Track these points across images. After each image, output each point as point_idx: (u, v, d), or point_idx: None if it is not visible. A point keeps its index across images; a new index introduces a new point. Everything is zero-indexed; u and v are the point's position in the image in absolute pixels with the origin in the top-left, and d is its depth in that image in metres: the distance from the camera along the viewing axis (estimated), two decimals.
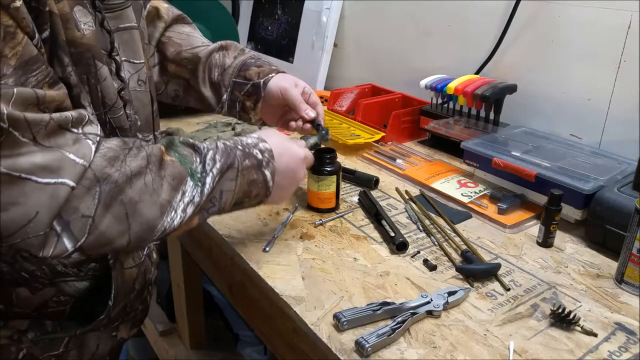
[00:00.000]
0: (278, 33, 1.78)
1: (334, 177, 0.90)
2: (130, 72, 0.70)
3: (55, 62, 0.56)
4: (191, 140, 0.64)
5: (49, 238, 0.51)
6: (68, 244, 0.52)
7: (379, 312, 0.65)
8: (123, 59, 0.68)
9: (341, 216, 0.91)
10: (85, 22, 0.59)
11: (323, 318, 0.66)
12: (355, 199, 0.98)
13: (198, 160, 0.62)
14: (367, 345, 0.59)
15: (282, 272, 0.75)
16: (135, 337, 0.91)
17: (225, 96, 0.90)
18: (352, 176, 1.04)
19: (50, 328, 0.67)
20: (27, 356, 0.66)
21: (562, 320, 0.65)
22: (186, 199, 0.59)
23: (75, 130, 0.53)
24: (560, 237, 0.86)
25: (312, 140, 0.85)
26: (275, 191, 0.71)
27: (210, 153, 0.63)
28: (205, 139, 1.15)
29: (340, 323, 0.63)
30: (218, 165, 0.63)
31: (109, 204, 0.53)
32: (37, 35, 0.52)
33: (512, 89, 1.14)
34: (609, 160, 0.96)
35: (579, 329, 0.65)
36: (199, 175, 0.61)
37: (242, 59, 0.91)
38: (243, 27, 1.90)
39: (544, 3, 1.09)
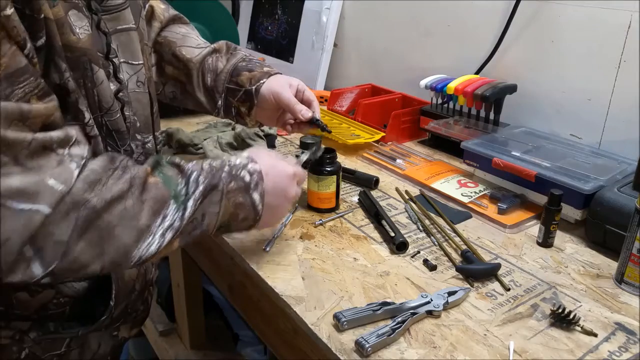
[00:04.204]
0: (278, 33, 1.78)
1: (334, 177, 0.90)
2: (129, 74, 0.69)
3: (52, 69, 0.55)
4: (177, 160, 0.63)
5: (18, 264, 0.49)
6: (38, 269, 0.50)
7: (379, 312, 0.65)
8: (122, 60, 0.68)
9: (341, 216, 0.91)
10: (80, 26, 0.58)
11: (323, 318, 0.66)
12: (355, 199, 0.98)
13: (183, 182, 0.60)
14: (367, 345, 0.59)
15: (282, 272, 0.75)
16: (136, 337, 0.92)
17: (220, 102, 0.90)
18: (352, 176, 1.04)
19: (52, 328, 0.67)
20: (30, 355, 0.66)
21: (562, 320, 0.65)
22: (166, 224, 0.57)
23: (60, 152, 0.51)
24: (560, 237, 0.86)
25: (304, 156, 0.84)
26: (265, 213, 0.68)
27: (194, 175, 0.61)
28: (205, 139, 1.15)
29: (340, 323, 0.63)
30: (201, 187, 0.61)
31: (85, 229, 0.51)
32: (29, 45, 0.50)
33: (512, 89, 1.14)
34: (609, 160, 0.96)
35: (579, 329, 0.65)
36: (182, 198, 0.59)
37: (233, 62, 0.90)
38: (243, 27, 1.90)
39: (544, 3, 1.09)
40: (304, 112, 0.87)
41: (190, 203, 0.59)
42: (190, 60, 0.90)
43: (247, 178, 0.65)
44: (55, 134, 0.51)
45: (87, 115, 0.60)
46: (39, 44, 0.52)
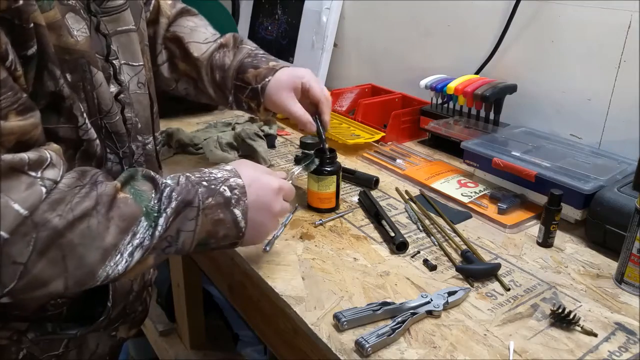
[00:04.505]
0: (278, 33, 1.78)
1: (334, 177, 0.90)
2: (130, 75, 0.69)
3: (45, 76, 0.54)
4: (152, 174, 0.60)
5: None
6: None
7: (379, 312, 0.65)
8: (122, 62, 0.68)
9: (341, 216, 0.91)
10: (78, 29, 0.58)
11: (323, 318, 0.66)
12: (355, 199, 0.98)
13: (156, 197, 0.58)
14: (367, 345, 0.59)
15: (282, 272, 0.75)
16: (135, 337, 0.92)
17: (230, 97, 0.90)
18: (352, 176, 1.04)
19: (50, 329, 0.66)
20: (28, 356, 0.66)
21: (562, 320, 0.65)
22: (136, 241, 0.55)
23: (32, 174, 0.49)
24: (560, 237, 0.86)
25: (296, 170, 0.85)
26: (249, 230, 0.65)
27: (167, 190, 0.58)
28: (205, 139, 1.15)
29: (340, 323, 0.63)
30: (173, 204, 0.58)
31: (45, 250, 0.50)
32: (10, 57, 0.48)
33: (512, 89, 1.14)
34: (609, 160, 0.96)
35: (579, 329, 0.65)
36: (155, 214, 0.56)
37: (239, 58, 0.90)
38: (243, 27, 1.90)
39: (544, 3, 1.09)
40: (308, 127, 0.87)
41: (161, 220, 0.57)
42: (198, 58, 0.90)
43: (227, 193, 0.62)
44: (27, 156, 0.49)
45: (82, 119, 0.59)
46: (30, 53, 0.51)
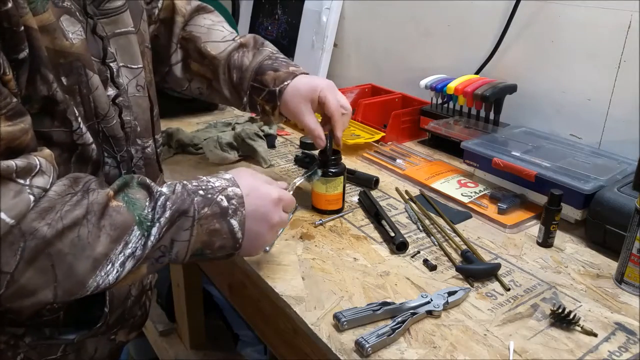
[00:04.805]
0: (278, 33, 1.77)
1: (341, 177, 0.89)
2: (129, 78, 0.68)
3: (38, 80, 0.53)
4: (148, 181, 0.59)
5: None
6: None
7: (379, 312, 0.65)
8: (121, 64, 0.67)
9: (341, 216, 0.91)
10: (73, 31, 0.57)
11: (323, 318, 0.66)
12: (355, 199, 0.98)
13: (150, 206, 0.56)
14: (367, 345, 0.59)
15: (282, 272, 0.75)
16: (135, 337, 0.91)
17: (245, 99, 0.89)
18: (352, 176, 1.04)
19: (47, 333, 0.65)
20: None
21: (562, 320, 0.65)
22: (128, 251, 0.54)
23: (20, 181, 0.49)
24: (560, 237, 0.86)
25: (298, 181, 0.84)
26: (246, 241, 0.63)
27: (162, 199, 0.57)
28: (205, 139, 1.15)
29: (340, 323, 0.63)
30: (167, 214, 0.56)
31: (33, 259, 0.49)
32: None
33: (512, 89, 1.14)
34: (609, 160, 0.96)
35: (579, 329, 0.65)
36: (148, 224, 0.55)
37: (259, 59, 0.88)
38: (243, 27, 1.90)
39: (544, 3, 1.09)
40: (318, 142, 0.86)
41: (154, 230, 0.55)
42: (216, 57, 0.89)
43: (224, 203, 0.61)
44: (15, 163, 0.49)
45: (76, 124, 0.58)
46: (22, 56, 0.50)
